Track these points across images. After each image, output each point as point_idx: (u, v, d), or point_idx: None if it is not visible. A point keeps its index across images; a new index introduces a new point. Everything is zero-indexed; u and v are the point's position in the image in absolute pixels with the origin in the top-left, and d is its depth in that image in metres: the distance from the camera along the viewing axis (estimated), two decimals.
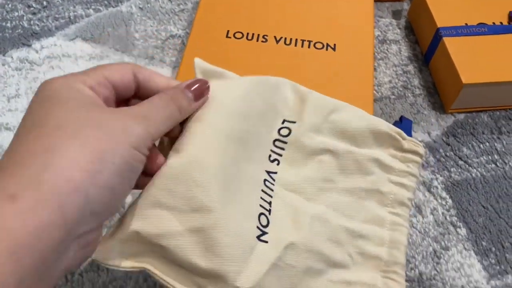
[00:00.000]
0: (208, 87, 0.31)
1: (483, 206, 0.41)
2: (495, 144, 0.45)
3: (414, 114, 0.47)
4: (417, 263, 0.38)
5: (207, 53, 0.43)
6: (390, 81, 0.49)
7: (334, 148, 0.33)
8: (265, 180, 0.31)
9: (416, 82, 0.49)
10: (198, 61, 0.33)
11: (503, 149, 0.44)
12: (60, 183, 0.21)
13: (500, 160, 0.44)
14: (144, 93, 0.29)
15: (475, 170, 0.43)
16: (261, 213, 0.29)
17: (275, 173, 0.32)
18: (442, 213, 0.41)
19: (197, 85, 0.30)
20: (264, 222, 0.29)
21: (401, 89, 0.49)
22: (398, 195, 0.33)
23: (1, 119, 0.46)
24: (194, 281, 0.26)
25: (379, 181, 0.34)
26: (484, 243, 0.39)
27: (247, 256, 0.27)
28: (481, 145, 0.45)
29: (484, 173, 0.43)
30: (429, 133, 0.46)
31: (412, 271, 0.38)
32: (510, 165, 0.43)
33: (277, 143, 0.33)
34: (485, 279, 0.37)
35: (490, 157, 0.44)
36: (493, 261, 0.38)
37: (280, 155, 0.33)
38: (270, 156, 0.32)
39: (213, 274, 0.26)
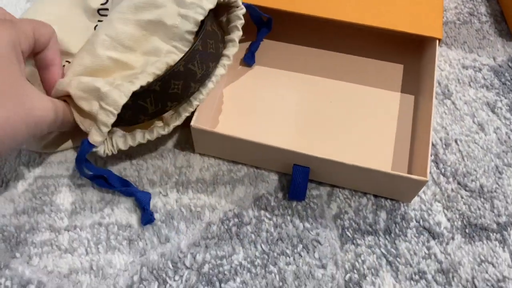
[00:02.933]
0: None
1: None
2: None
3: (479, 39, 0.46)
4: (478, 175, 0.38)
5: None
6: (455, 7, 0.48)
7: None
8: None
9: (482, 9, 0.48)
10: None
11: None
12: None
13: None
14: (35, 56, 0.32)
15: None
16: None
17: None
18: (506, 133, 0.40)
19: None
20: None
21: (466, 15, 0.48)
22: (180, 28, 0.33)
23: None
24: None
25: (166, 14, 0.33)
26: None
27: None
28: None
29: None
30: (494, 58, 0.44)
31: (473, 182, 0.37)
32: None
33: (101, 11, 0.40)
34: None
35: None
36: None
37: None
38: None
39: None
